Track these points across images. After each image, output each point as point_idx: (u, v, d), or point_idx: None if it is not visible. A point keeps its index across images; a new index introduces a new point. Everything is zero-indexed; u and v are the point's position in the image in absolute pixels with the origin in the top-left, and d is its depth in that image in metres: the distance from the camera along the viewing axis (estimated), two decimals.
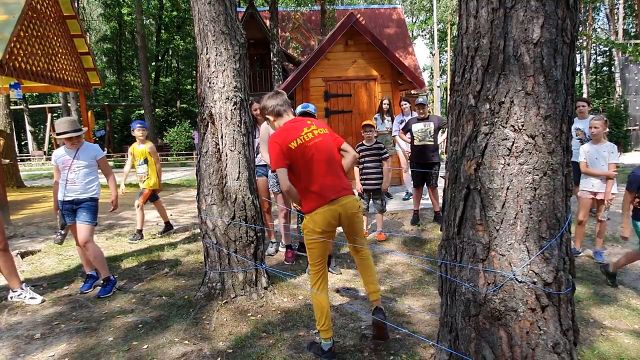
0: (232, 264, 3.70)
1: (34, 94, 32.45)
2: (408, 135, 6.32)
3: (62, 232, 5.78)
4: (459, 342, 2.15)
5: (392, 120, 7.60)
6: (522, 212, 1.97)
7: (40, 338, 3.23)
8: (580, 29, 25.61)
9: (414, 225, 6.07)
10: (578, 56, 32.47)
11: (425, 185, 6.14)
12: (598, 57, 40.18)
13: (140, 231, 5.98)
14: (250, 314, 3.50)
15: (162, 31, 35.48)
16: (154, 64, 35.71)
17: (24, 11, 8.05)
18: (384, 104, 7.65)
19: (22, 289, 3.92)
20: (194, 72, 34.12)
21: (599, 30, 39.48)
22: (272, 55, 17.15)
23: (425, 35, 46.17)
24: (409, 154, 6.47)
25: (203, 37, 3.65)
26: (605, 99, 28.76)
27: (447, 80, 35.88)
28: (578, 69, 33.75)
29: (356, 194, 5.59)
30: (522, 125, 1.94)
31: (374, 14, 24.31)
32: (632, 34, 31.63)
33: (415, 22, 45.30)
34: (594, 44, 33.03)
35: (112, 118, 31.32)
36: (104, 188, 4.55)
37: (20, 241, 5.91)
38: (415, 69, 21.41)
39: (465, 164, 2.09)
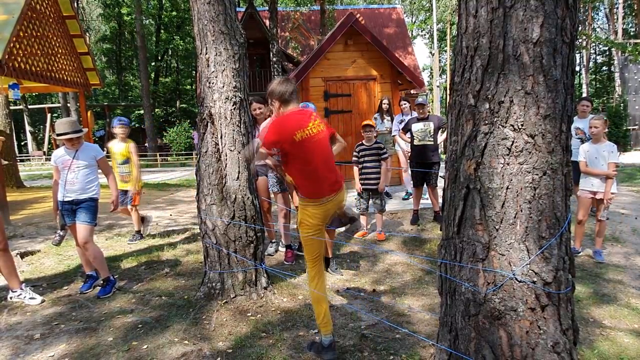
0: (231, 264, 3.70)
1: (34, 94, 32.44)
2: (408, 135, 6.32)
3: (61, 233, 5.77)
4: (458, 342, 2.15)
5: (392, 120, 7.60)
6: (521, 211, 1.96)
7: (40, 338, 3.23)
8: (580, 28, 25.61)
9: (413, 225, 6.07)
10: (578, 56, 32.48)
11: (425, 185, 6.14)
12: (597, 57, 40.20)
13: (138, 232, 5.96)
14: (250, 314, 3.50)
15: (162, 31, 35.49)
16: (153, 64, 35.73)
17: (23, 11, 8.05)
18: (384, 103, 7.65)
19: (21, 289, 3.92)
20: (194, 72, 34.13)
21: (598, 29, 39.51)
22: (271, 55, 17.15)
23: (425, 35, 46.19)
24: (409, 154, 6.47)
25: (202, 37, 3.64)
26: (604, 98, 28.80)
27: (446, 80, 35.87)
28: (578, 68, 33.77)
29: (355, 194, 5.55)
30: (522, 125, 1.94)
31: (373, 13, 24.32)
32: (632, 33, 31.63)
33: (415, 22, 45.31)
34: (594, 44, 33.04)
35: (111, 118, 31.29)
36: (104, 188, 4.54)
37: (20, 241, 5.91)
38: (415, 68, 21.41)
39: (465, 163, 2.09)
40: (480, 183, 2.03)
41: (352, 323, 3.33)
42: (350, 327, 3.24)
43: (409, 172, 6.55)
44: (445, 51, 39.34)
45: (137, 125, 33.73)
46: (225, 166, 3.67)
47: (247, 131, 3.79)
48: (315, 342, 2.95)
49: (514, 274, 1.96)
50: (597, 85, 38.47)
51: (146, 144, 27.08)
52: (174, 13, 33.43)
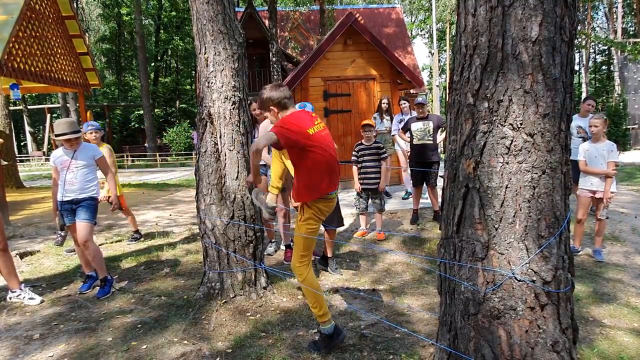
0: (231, 264, 3.69)
1: (33, 95, 32.43)
2: (407, 134, 6.32)
3: (62, 233, 5.76)
4: (458, 341, 2.15)
5: (391, 119, 7.60)
6: (521, 210, 1.96)
7: (39, 338, 3.22)
8: (579, 27, 25.63)
9: (413, 224, 6.07)
10: (577, 55, 32.49)
11: (424, 185, 6.14)
12: (597, 56, 40.20)
13: (137, 231, 5.94)
14: (249, 314, 3.50)
15: (161, 31, 35.48)
16: (153, 64, 35.71)
17: (22, 11, 8.05)
18: (383, 103, 7.65)
19: (21, 289, 3.92)
20: (193, 72, 34.13)
21: (597, 29, 39.51)
22: (271, 55, 17.14)
23: (424, 34, 46.16)
24: (408, 153, 6.47)
25: (201, 37, 3.64)
26: (604, 97, 28.80)
27: (446, 80, 35.88)
28: (577, 68, 33.76)
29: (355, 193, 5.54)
30: (521, 124, 1.94)
31: (372, 13, 24.31)
32: (631, 32, 31.64)
33: (414, 21, 45.27)
34: (593, 43, 33.04)
35: (111, 118, 31.33)
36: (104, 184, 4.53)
37: (20, 242, 5.91)
38: (414, 68, 21.41)
39: (464, 162, 2.09)
40: (479, 182, 2.03)
41: (351, 322, 3.33)
42: (350, 327, 3.24)
43: (409, 171, 6.55)
44: (445, 51, 39.34)
45: (136, 125, 33.74)
46: (225, 166, 3.67)
47: (247, 131, 3.79)
48: (315, 341, 2.95)
49: (513, 273, 1.96)
50: (597, 85, 38.46)
51: (146, 144, 27.09)
52: (174, 13, 33.41)
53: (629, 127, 19.38)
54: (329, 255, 4.54)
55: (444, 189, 2.29)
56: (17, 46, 8.07)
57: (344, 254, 5.12)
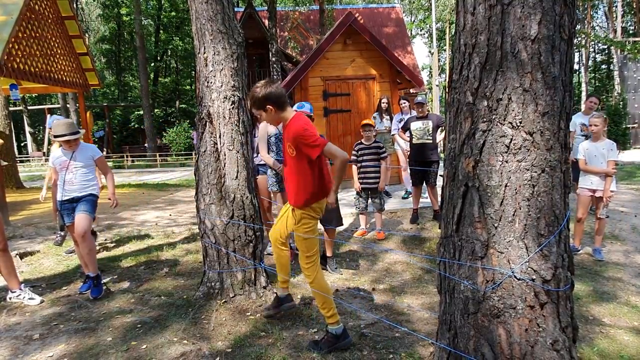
0: (231, 264, 3.69)
1: (33, 95, 32.45)
2: (407, 134, 6.31)
3: (62, 233, 5.76)
4: (458, 340, 2.15)
5: (391, 119, 7.60)
6: (520, 209, 1.96)
7: (39, 338, 3.22)
8: (579, 27, 25.62)
9: (413, 224, 6.07)
10: (577, 54, 32.47)
11: (424, 184, 6.14)
12: (597, 55, 40.18)
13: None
14: (249, 314, 3.50)
15: (161, 31, 35.48)
16: (152, 64, 35.71)
17: (22, 12, 8.05)
18: (383, 103, 7.65)
19: (21, 289, 3.92)
20: (193, 72, 34.09)
21: (597, 28, 39.50)
22: (270, 55, 17.13)
23: (424, 34, 46.16)
24: (408, 153, 6.46)
25: (201, 36, 3.64)
26: (604, 96, 28.78)
27: (445, 79, 35.87)
28: (577, 67, 33.76)
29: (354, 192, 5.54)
30: (520, 122, 1.94)
31: (372, 13, 24.30)
32: (631, 31, 31.63)
33: (414, 21, 45.26)
34: (593, 42, 33.04)
35: (111, 119, 31.34)
36: (104, 188, 4.53)
37: (19, 242, 5.91)
38: (414, 67, 21.40)
39: (464, 161, 2.08)
40: (478, 181, 2.03)
41: (351, 322, 3.33)
42: (350, 326, 3.24)
43: (409, 171, 6.55)
44: (445, 50, 39.33)
45: (136, 125, 33.73)
46: (224, 165, 3.67)
47: (246, 130, 3.78)
48: (316, 341, 2.95)
49: (512, 272, 1.96)
50: (597, 84, 38.45)
51: (146, 145, 27.10)
52: (173, 13, 33.42)
53: (628, 126, 19.39)
54: (329, 254, 4.54)
55: (443, 188, 2.29)
56: (16, 47, 8.07)
57: (344, 253, 5.12)
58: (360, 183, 5.55)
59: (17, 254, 5.10)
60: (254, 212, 3.77)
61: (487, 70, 1.99)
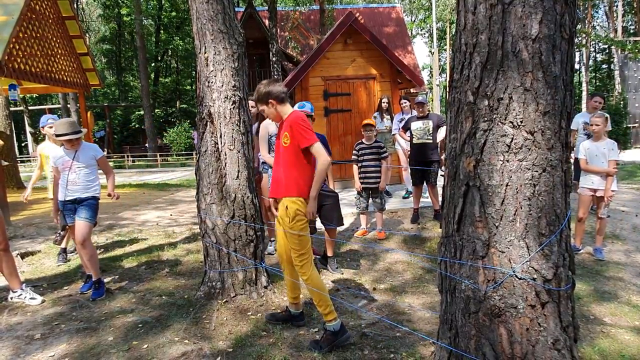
0: (231, 263, 3.69)
1: (34, 95, 32.46)
2: (407, 133, 6.31)
3: (62, 232, 5.77)
4: (459, 340, 2.15)
5: (391, 119, 7.59)
6: (521, 208, 1.96)
7: (41, 338, 3.23)
8: (580, 26, 25.58)
9: (413, 223, 6.07)
10: (577, 54, 32.45)
11: (424, 184, 6.14)
12: (597, 55, 40.16)
13: (65, 250, 5.13)
14: (250, 313, 3.50)
15: (162, 32, 35.49)
16: (153, 64, 35.73)
17: (22, 12, 8.05)
18: (383, 102, 7.64)
19: (22, 289, 3.92)
20: (194, 72, 34.15)
21: (598, 27, 39.46)
22: (271, 55, 17.13)
23: (425, 34, 46.16)
24: (409, 153, 6.46)
25: (201, 36, 3.64)
26: (604, 96, 28.76)
27: (446, 79, 35.86)
28: (577, 66, 33.74)
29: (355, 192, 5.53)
30: (521, 122, 1.94)
31: (372, 13, 24.29)
32: (631, 31, 31.61)
33: (414, 20, 45.26)
34: (593, 42, 33.01)
35: (111, 119, 31.35)
36: (104, 189, 4.53)
37: (21, 242, 5.91)
38: (415, 67, 21.39)
39: (464, 160, 2.09)
40: (479, 180, 2.03)
41: (352, 321, 3.33)
42: (351, 326, 3.24)
43: (409, 170, 6.55)
44: (445, 50, 39.33)
45: (137, 125, 33.75)
46: (225, 165, 3.67)
47: (247, 130, 3.79)
48: (317, 340, 2.95)
49: (513, 271, 1.96)
50: (597, 84, 38.44)
51: (146, 145, 27.11)
52: (174, 13, 33.42)
53: (629, 125, 19.38)
54: (330, 254, 4.55)
55: (444, 188, 2.29)
56: (17, 47, 8.08)
57: (345, 253, 5.12)
58: (361, 183, 5.55)
59: (18, 254, 5.11)
60: (255, 212, 3.77)
61: (488, 69, 1.99)
